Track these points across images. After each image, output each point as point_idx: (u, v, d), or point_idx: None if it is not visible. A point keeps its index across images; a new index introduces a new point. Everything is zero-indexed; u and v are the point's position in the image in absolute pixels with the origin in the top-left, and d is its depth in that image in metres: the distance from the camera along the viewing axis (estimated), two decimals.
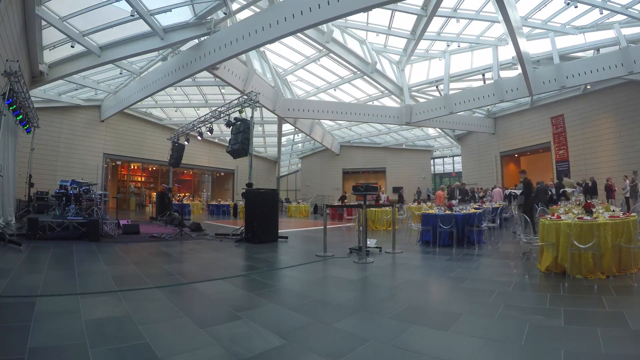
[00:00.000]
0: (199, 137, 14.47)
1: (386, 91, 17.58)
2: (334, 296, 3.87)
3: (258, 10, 11.56)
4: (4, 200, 8.60)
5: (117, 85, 16.52)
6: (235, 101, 10.59)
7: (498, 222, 9.02)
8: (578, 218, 4.54)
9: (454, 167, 26.22)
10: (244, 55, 13.34)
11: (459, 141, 23.45)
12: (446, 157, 26.70)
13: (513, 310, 3.16)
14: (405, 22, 13.50)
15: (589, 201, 7.08)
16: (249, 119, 9.75)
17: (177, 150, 14.14)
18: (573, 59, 13.10)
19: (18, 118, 8.92)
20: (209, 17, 10.89)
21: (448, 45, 14.88)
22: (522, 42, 11.59)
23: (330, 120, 21.61)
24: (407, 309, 3.27)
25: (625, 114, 13.98)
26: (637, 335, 2.56)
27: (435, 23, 13.22)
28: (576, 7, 11.03)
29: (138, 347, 2.32)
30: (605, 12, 11.02)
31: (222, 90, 18.07)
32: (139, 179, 23.96)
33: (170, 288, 3.95)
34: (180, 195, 14.34)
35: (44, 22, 9.76)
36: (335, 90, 18.80)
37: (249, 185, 8.80)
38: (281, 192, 27.03)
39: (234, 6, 11.07)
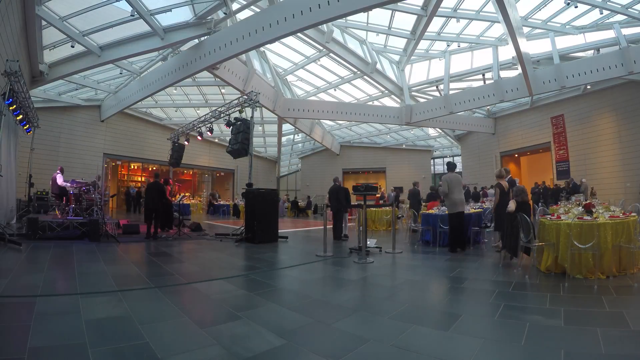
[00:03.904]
0: (199, 137, 14.47)
1: (386, 91, 17.57)
2: (334, 296, 3.87)
3: (258, 10, 11.55)
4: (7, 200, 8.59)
5: (117, 85, 16.51)
6: (235, 101, 10.59)
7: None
8: (578, 218, 4.54)
9: None
10: (244, 55, 13.33)
11: (459, 141, 23.44)
12: (446, 157, 26.67)
13: (513, 310, 3.16)
14: (405, 22, 13.51)
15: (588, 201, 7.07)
16: (249, 119, 9.76)
17: (177, 150, 14.13)
18: (573, 59, 13.09)
19: (18, 118, 8.91)
20: (209, 17, 10.88)
21: (448, 45, 14.87)
22: (522, 42, 11.58)
23: (330, 120, 21.60)
24: (407, 309, 3.27)
25: (625, 114, 13.98)
26: (637, 335, 2.56)
27: (435, 23, 13.21)
28: (576, 7, 11.02)
29: (138, 347, 2.32)
30: (605, 12, 11.01)
31: (222, 90, 18.06)
32: (139, 179, 23.95)
33: (170, 288, 3.95)
34: (179, 194, 14.27)
35: (44, 22, 9.74)
36: (335, 90, 18.78)
37: (249, 185, 8.80)
38: (281, 192, 27.00)
39: (234, 6, 11.06)
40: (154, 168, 22.08)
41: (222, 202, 22.28)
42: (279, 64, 17.21)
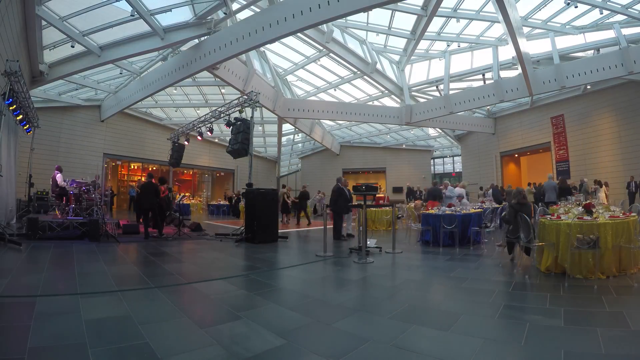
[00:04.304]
0: (199, 137, 14.47)
1: (386, 91, 17.56)
2: (334, 296, 3.87)
3: (258, 10, 11.55)
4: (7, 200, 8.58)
5: (117, 85, 16.51)
6: (235, 101, 10.59)
7: (498, 222, 9.00)
8: (578, 218, 4.54)
9: (454, 167, 26.22)
10: (244, 55, 13.33)
11: (459, 141, 23.44)
12: (446, 157, 26.69)
13: (513, 310, 3.16)
14: (405, 22, 13.51)
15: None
16: (249, 119, 9.76)
17: (177, 150, 14.14)
18: (573, 59, 13.09)
19: (18, 118, 8.90)
20: (209, 17, 10.87)
21: (448, 45, 14.87)
22: (522, 42, 11.58)
23: (330, 120, 21.61)
24: (407, 309, 3.27)
25: (625, 114, 13.97)
26: (637, 335, 2.56)
27: (435, 23, 13.21)
28: (576, 7, 11.02)
29: (138, 347, 2.32)
30: (605, 12, 11.00)
31: (222, 90, 18.06)
32: (139, 179, 23.94)
33: (170, 288, 3.95)
34: (179, 194, 14.25)
35: (44, 22, 9.74)
36: (335, 90, 18.78)
37: (249, 185, 8.80)
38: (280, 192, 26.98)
39: (234, 6, 11.05)
40: (154, 168, 22.09)
41: (221, 202, 22.27)
42: (279, 64, 17.21)
